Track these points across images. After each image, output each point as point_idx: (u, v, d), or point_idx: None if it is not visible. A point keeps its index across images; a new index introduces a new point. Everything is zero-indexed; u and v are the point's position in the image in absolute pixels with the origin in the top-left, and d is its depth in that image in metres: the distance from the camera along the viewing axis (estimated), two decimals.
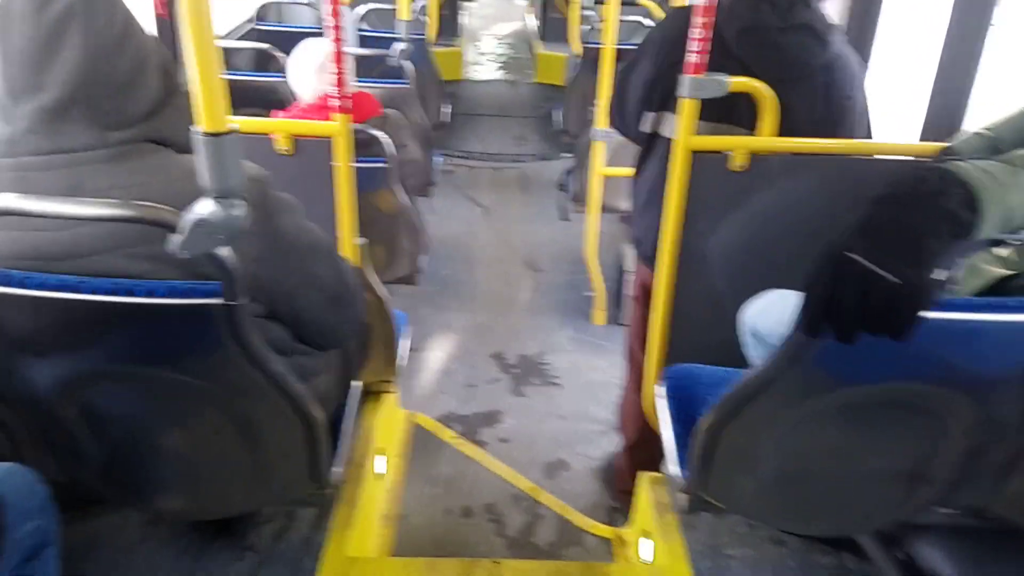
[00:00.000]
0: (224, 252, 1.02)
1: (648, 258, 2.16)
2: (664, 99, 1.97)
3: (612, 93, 2.19)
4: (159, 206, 0.99)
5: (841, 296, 0.95)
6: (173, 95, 1.20)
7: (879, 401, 1.18)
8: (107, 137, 1.12)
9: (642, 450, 2.42)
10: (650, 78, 1.99)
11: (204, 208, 0.96)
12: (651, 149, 2.10)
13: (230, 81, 3.26)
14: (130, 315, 1.08)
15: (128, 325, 1.10)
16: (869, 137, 1.98)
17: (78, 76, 1.08)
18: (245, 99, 3.31)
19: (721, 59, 1.80)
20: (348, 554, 1.80)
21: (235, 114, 2.48)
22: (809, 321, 1.00)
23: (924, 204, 0.97)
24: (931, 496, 1.35)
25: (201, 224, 0.96)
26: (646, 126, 2.04)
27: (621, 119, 2.16)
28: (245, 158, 1.26)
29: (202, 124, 0.93)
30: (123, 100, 1.13)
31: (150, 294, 1.06)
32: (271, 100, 3.07)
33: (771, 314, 1.61)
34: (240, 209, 0.97)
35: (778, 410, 1.22)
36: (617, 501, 2.51)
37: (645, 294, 2.23)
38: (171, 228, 0.98)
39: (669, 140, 1.96)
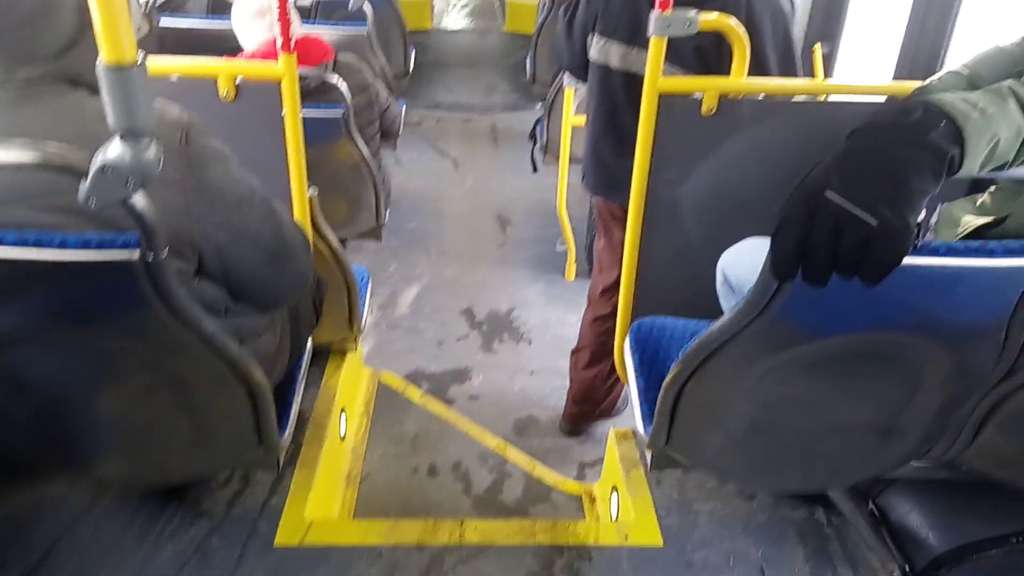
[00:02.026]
0: (139, 200, 0.92)
1: (584, 180, 2.28)
2: (592, 21, 2.02)
3: (559, 28, 2.18)
4: (66, 149, 0.89)
5: (813, 236, 0.87)
6: (89, 30, 1.08)
7: (852, 352, 1.11)
8: (11, 74, 1.01)
9: (584, 401, 2.47)
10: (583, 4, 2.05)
11: (111, 151, 0.86)
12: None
13: (184, 28, 3.09)
14: (41, 271, 0.98)
15: (40, 282, 1.00)
16: (793, 75, 1.93)
17: None
18: (200, 46, 3.15)
19: None
20: (307, 517, 1.74)
21: None
22: (777, 262, 0.92)
23: (907, 136, 0.88)
24: (904, 450, 1.31)
25: (108, 168, 0.86)
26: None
27: (569, 53, 2.16)
28: (183, 104, 1.17)
29: (104, 55, 0.83)
30: (30, 34, 1.02)
31: (62, 247, 0.96)
32: (225, 47, 2.91)
33: (745, 262, 1.55)
34: (151, 151, 0.87)
35: (744, 363, 1.16)
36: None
37: (602, 221, 2.25)
38: (81, 174, 0.88)
39: (596, 64, 2.05)
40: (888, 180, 0.86)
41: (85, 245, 0.96)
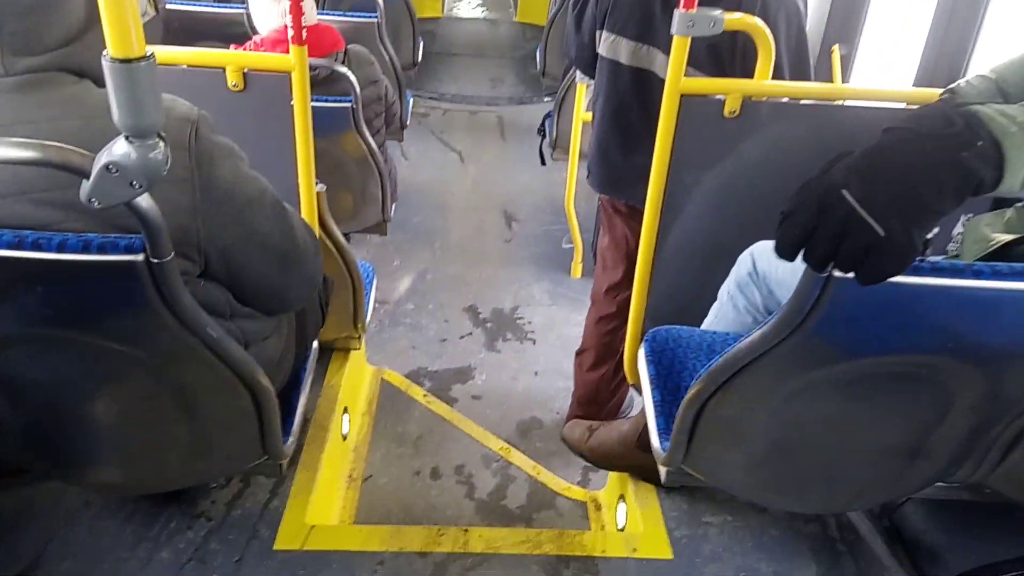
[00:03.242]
0: (144, 201, 0.87)
1: (588, 178, 2.23)
2: (602, 16, 1.97)
3: (569, 22, 2.14)
4: (67, 147, 0.84)
5: (819, 230, 0.86)
6: (97, 21, 1.03)
7: (884, 373, 1.07)
8: (14, 63, 0.96)
9: (589, 404, 2.43)
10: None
11: (116, 150, 0.81)
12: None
13: (190, 12, 3.04)
14: (39, 272, 0.94)
15: (37, 284, 0.95)
16: (807, 78, 1.89)
17: None
18: (205, 32, 3.10)
19: None
20: (308, 521, 1.71)
21: (194, 46, 2.32)
22: (780, 245, 0.91)
23: (940, 151, 0.85)
24: (930, 472, 1.27)
25: (113, 168, 0.81)
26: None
27: (577, 47, 2.12)
28: (191, 94, 1.12)
29: (111, 48, 0.77)
30: (35, 23, 0.97)
31: (60, 249, 0.91)
32: (233, 34, 2.86)
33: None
34: (159, 151, 0.82)
35: (773, 382, 1.12)
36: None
37: (606, 218, 2.20)
38: (82, 174, 0.83)
39: (605, 59, 2.00)
40: (906, 193, 0.84)
41: (85, 248, 0.91)
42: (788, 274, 1.47)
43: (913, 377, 1.07)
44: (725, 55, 1.84)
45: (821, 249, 0.87)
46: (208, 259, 1.08)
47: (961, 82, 1.50)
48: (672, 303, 1.81)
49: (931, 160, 0.85)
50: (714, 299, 1.69)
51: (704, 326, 1.68)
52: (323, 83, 2.37)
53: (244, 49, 2.26)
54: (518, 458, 2.32)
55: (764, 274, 1.53)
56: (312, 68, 2.27)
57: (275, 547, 1.62)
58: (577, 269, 3.54)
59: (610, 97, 2.03)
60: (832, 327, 1.00)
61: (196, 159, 1.02)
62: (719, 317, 1.66)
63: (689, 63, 1.83)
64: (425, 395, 2.51)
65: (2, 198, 0.95)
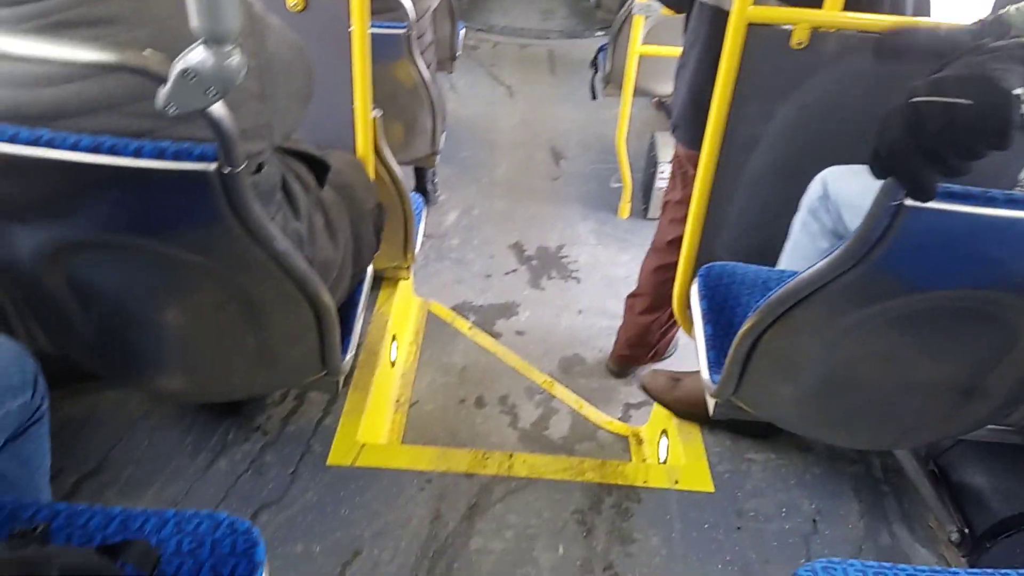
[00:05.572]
0: (218, 109, 0.88)
1: (676, 132, 2.09)
2: None
3: None
4: (143, 53, 0.85)
5: (924, 144, 0.86)
6: None
7: (947, 308, 1.05)
8: None
9: (638, 346, 2.42)
10: None
11: (194, 56, 0.82)
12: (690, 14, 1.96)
13: None
14: (115, 178, 0.96)
15: (113, 189, 0.97)
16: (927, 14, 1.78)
17: None
18: None
19: None
20: (359, 439, 1.76)
21: None
22: (905, 175, 0.90)
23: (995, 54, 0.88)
24: (983, 413, 1.26)
25: (190, 74, 0.82)
26: None
27: None
28: None
29: None
30: None
31: (136, 155, 0.93)
32: None
33: (857, 181, 1.46)
34: (235, 58, 0.82)
35: (832, 315, 1.11)
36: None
37: (681, 171, 2.12)
38: (160, 79, 0.84)
39: (707, 6, 1.85)
40: (973, 73, 0.85)
41: (160, 154, 0.93)
42: (857, 197, 1.43)
43: (977, 313, 1.06)
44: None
45: (936, 148, 0.86)
46: (273, 132, 1.10)
47: (1012, 8, 1.42)
48: (728, 242, 1.78)
49: (989, 57, 0.88)
50: (771, 239, 1.67)
51: (781, 264, 1.64)
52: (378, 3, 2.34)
53: None
54: (561, 391, 2.35)
55: (835, 197, 1.49)
56: None
57: (328, 462, 1.68)
58: (625, 209, 3.51)
59: (711, 47, 1.80)
60: (899, 258, 0.98)
61: (255, 45, 1.02)
62: (795, 248, 1.61)
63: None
64: (470, 327, 2.54)
65: (94, 113, 0.95)
